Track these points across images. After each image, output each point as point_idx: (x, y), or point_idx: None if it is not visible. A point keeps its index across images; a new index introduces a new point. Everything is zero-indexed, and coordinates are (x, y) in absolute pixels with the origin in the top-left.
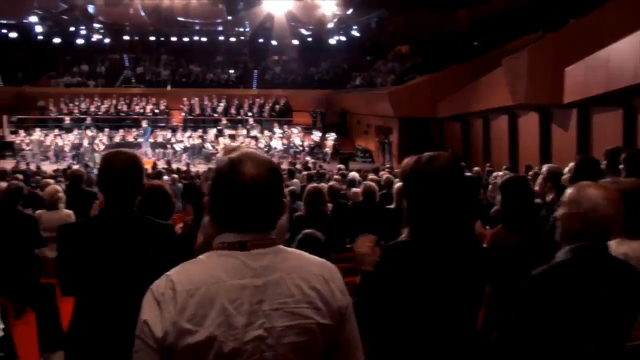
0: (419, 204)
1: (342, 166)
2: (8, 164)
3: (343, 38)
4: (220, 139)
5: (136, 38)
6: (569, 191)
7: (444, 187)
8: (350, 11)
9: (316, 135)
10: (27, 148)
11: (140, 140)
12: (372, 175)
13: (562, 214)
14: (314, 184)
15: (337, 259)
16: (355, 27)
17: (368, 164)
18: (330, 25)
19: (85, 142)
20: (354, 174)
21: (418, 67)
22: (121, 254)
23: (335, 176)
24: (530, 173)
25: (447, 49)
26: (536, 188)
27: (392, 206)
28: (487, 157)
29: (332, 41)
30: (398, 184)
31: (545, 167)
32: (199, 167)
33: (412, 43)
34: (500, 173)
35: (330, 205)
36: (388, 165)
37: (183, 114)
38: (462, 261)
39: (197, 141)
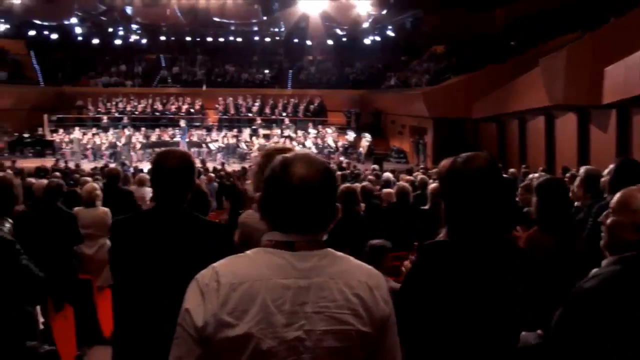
0: (457, 205)
1: (376, 166)
2: (48, 162)
3: (378, 38)
4: (255, 139)
5: (172, 38)
6: (617, 197)
7: (482, 188)
8: (385, 11)
9: (350, 135)
10: (67, 147)
11: (177, 139)
12: (405, 176)
13: (611, 222)
14: (347, 184)
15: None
16: (390, 27)
17: (402, 164)
18: (365, 25)
19: (122, 141)
20: (388, 175)
21: (453, 67)
22: (170, 249)
23: (370, 177)
24: (568, 175)
25: (482, 49)
26: (574, 190)
27: (426, 207)
28: (523, 158)
29: (367, 41)
30: (432, 185)
31: (582, 170)
32: (234, 167)
33: (447, 43)
34: (536, 175)
35: (363, 205)
36: (422, 166)
37: (218, 113)
38: (500, 262)
39: (232, 141)
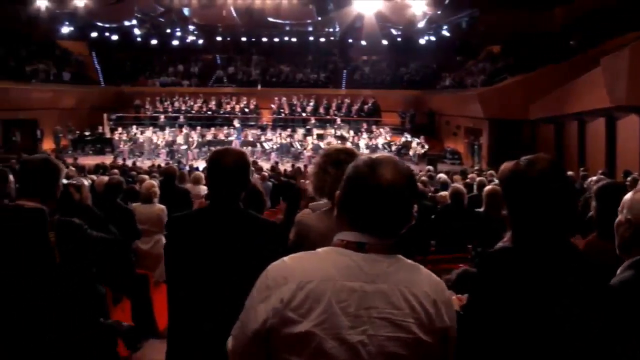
0: (520, 210)
1: (430, 168)
2: (107, 160)
3: (433, 38)
4: (309, 139)
5: (228, 39)
6: (626, 196)
7: (546, 192)
8: (440, 11)
9: (405, 136)
10: (125, 146)
11: (231, 138)
12: (457, 177)
13: (616, 222)
14: None
15: (422, 262)
16: (445, 27)
17: (457, 165)
18: (420, 25)
19: (178, 140)
20: (443, 176)
21: (510, 68)
22: (225, 247)
23: (422, 177)
24: (629, 179)
25: (540, 49)
26: None
27: (481, 209)
28: (582, 161)
29: (422, 41)
30: (488, 187)
31: None
32: (287, 166)
33: (503, 43)
34: (595, 178)
35: (415, 207)
36: (477, 168)
37: (273, 113)
38: (567, 270)
39: (286, 140)
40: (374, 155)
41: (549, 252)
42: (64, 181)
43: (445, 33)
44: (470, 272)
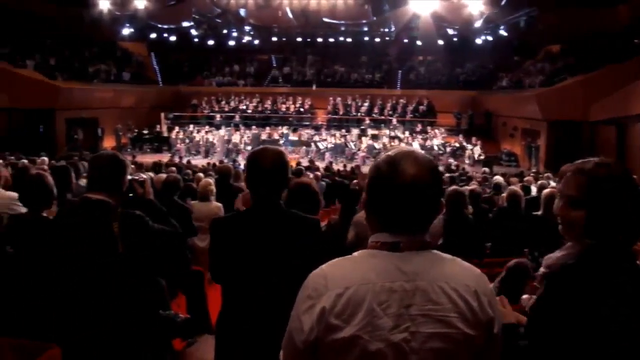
0: (597, 216)
1: (486, 170)
2: (165, 158)
3: (490, 38)
4: (363, 139)
5: (284, 39)
6: None
7: (619, 197)
8: (498, 10)
9: (460, 137)
10: (182, 145)
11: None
12: (515, 179)
13: None
14: (455, 187)
15: (477, 265)
16: (502, 27)
17: (513, 168)
18: (477, 24)
19: (234, 139)
20: (498, 179)
21: (570, 68)
22: (268, 246)
23: (478, 179)
24: None
25: (602, 48)
26: None
27: (538, 213)
28: None
29: (479, 41)
30: (546, 190)
31: None
32: (341, 166)
33: (563, 42)
34: None
35: (470, 209)
36: (534, 170)
37: (327, 113)
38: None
39: (340, 140)
40: (393, 152)
41: (617, 269)
42: (129, 177)
43: (503, 32)
44: (522, 266)
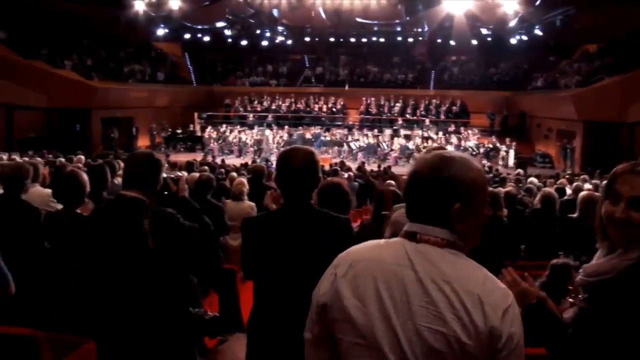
0: None
1: (520, 171)
2: (198, 157)
3: (525, 37)
4: (396, 139)
5: (317, 39)
6: None
7: None
8: (533, 9)
9: (494, 138)
10: (215, 144)
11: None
12: (551, 181)
13: None
14: (490, 188)
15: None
16: (538, 26)
17: (548, 169)
18: (512, 24)
19: (267, 139)
20: (533, 180)
21: (607, 68)
22: (298, 246)
23: (512, 181)
24: None
25: None
26: None
27: (574, 215)
28: None
29: (513, 41)
30: (583, 193)
31: None
32: (373, 166)
33: (601, 41)
34: None
35: (506, 211)
36: (569, 172)
37: (360, 113)
38: None
39: (373, 140)
40: (438, 152)
41: None
42: (164, 175)
43: (538, 32)
44: (567, 266)
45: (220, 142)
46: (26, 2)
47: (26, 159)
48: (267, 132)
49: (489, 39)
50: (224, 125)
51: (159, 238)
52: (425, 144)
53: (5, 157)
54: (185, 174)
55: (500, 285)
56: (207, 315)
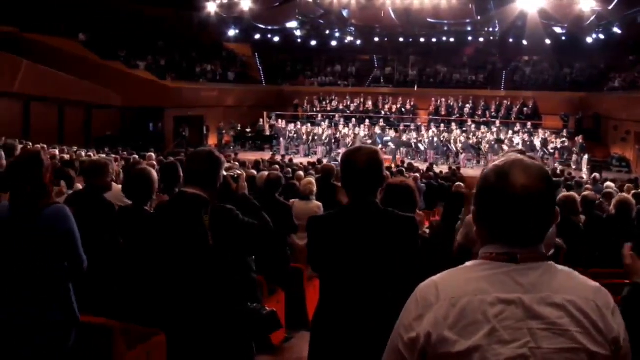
0: None
1: (597, 175)
2: (266, 156)
3: (602, 36)
4: (465, 140)
5: (386, 39)
6: None
7: None
8: (611, 7)
9: (566, 140)
10: (283, 142)
11: (386, 138)
12: (630, 185)
13: None
14: (566, 192)
15: (582, 274)
16: (617, 24)
17: (624, 174)
18: (588, 22)
19: (336, 138)
20: (609, 185)
21: None
22: (363, 244)
23: (587, 185)
24: None
25: None
26: None
27: None
28: None
29: (589, 40)
30: None
31: None
32: (442, 168)
33: None
34: None
35: (583, 217)
36: None
37: (429, 114)
38: None
39: (442, 142)
40: (501, 162)
41: None
42: (224, 173)
43: (617, 30)
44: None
45: (288, 140)
46: (105, 5)
47: (102, 155)
48: (358, 130)
49: (563, 38)
50: (292, 125)
51: (218, 234)
52: (497, 146)
53: (83, 153)
54: (254, 172)
55: (597, 284)
56: (264, 311)
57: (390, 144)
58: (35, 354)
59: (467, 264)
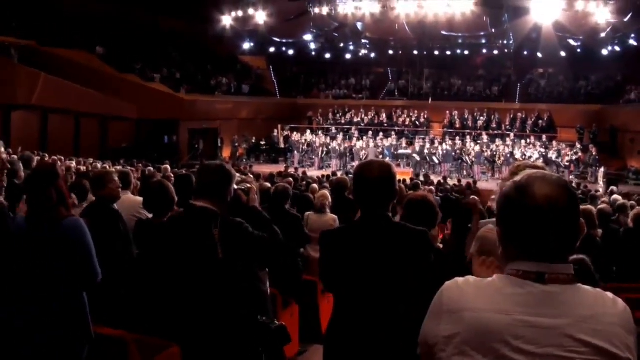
0: None
1: (614, 188)
2: (280, 168)
3: (617, 48)
4: (480, 153)
5: (400, 52)
6: None
7: None
8: (627, 18)
9: (581, 153)
10: (297, 155)
11: (401, 151)
12: None
13: None
14: (583, 206)
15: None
16: (632, 36)
17: None
18: (603, 34)
19: (351, 151)
20: (616, 198)
21: None
22: (375, 258)
23: (604, 199)
24: None
25: None
26: None
27: None
28: None
29: (605, 52)
30: None
31: None
32: (456, 181)
33: None
34: None
35: (600, 231)
36: None
37: (444, 127)
38: None
39: (456, 154)
40: (520, 178)
41: None
42: (235, 186)
43: (633, 42)
44: None
45: (302, 152)
46: (122, 18)
47: (119, 167)
48: (372, 143)
49: (579, 50)
50: (308, 132)
51: (227, 247)
52: (512, 160)
53: (99, 165)
54: (268, 185)
55: (623, 305)
56: (273, 325)
57: (415, 155)
58: None
59: (494, 277)
